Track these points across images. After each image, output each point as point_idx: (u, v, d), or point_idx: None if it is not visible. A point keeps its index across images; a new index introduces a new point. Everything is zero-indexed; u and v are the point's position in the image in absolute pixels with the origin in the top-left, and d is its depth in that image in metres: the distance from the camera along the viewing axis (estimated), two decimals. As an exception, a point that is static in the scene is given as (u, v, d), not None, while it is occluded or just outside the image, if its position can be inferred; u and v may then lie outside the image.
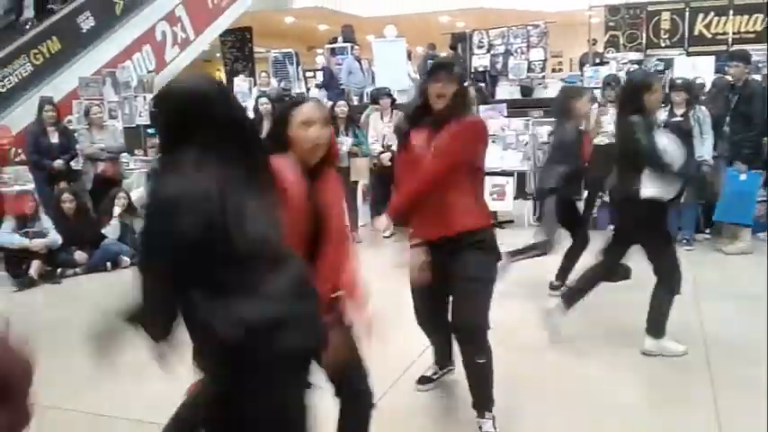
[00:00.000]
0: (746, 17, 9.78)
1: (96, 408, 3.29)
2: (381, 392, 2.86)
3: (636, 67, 9.01)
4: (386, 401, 2.93)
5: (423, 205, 2.87)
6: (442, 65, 2.95)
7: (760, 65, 8.21)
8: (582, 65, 11.84)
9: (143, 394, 3.31)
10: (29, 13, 9.40)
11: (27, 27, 9.18)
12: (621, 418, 3.13)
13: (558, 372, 3.67)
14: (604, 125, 6.96)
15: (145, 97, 9.42)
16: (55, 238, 6.31)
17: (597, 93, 7.76)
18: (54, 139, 7.28)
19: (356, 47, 11.50)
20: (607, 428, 3.06)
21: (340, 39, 12.00)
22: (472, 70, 11.16)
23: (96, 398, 3.36)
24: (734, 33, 9.67)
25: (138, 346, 1.73)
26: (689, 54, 9.50)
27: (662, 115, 6.67)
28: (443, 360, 3.43)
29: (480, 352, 2.83)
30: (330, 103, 8.01)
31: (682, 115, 6.41)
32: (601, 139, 6.96)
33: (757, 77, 6.93)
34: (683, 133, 5.54)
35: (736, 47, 9.11)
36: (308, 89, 11.50)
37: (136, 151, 9.06)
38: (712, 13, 9.67)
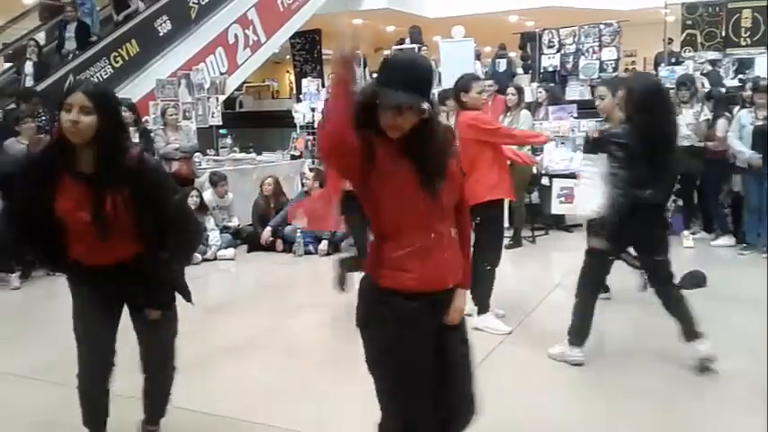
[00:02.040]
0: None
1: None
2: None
3: (710, 68, 8.70)
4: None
5: None
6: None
7: None
8: (657, 64, 11.50)
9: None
10: (70, 44, 9.67)
11: (70, 58, 9.41)
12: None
13: (614, 386, 3.60)
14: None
15: (217, 98, 9.71)
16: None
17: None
18: (135, 139, 7.51)
19: (424, 48, 11.49)
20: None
21: (407, 40, 12.01)
22: (541, 70, 11.01)
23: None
24: (819, 30, 9.20)
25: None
26: (771, 53, 9.10)
27: (745, 118, 6.41)
28: None
29: None
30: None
31: (765, 118, 6.15)
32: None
33: None
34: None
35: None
36: (375, 90, 11.54)
37: (208, 151, 9.36)
38: (797, 10, 9.23)
